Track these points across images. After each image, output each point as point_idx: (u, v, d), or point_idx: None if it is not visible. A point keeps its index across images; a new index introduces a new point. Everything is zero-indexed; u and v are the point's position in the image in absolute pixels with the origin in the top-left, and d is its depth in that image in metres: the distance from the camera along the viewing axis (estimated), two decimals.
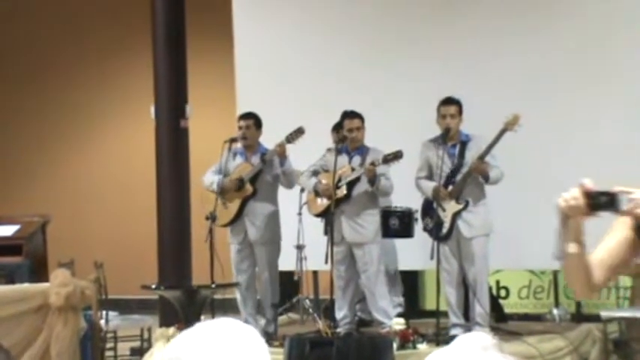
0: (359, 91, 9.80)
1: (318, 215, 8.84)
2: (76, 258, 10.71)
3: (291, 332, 8.68)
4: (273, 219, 8.91)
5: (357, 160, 8.58)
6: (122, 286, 10.87)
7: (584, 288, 3.02)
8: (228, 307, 9.63)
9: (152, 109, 10.18)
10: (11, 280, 10.04)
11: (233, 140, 8.98)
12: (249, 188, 8.84)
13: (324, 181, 8.60)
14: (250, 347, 1.90)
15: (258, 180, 8.85)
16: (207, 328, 1.91)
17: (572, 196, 2.86)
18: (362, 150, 8.61)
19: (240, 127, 8.94)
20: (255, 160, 8.91)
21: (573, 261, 2.96)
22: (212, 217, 8.68)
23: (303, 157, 8.93)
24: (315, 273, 10.37)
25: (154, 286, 7.87)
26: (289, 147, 8.79)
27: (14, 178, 14.22)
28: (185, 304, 7.12)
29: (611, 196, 2.86)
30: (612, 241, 3.06)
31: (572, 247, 2.94)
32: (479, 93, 9.13)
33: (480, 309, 8.24)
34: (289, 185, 8.95)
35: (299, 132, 8.78)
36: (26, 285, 9.65)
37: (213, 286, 7.61)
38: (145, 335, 9.62)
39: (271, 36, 10.64)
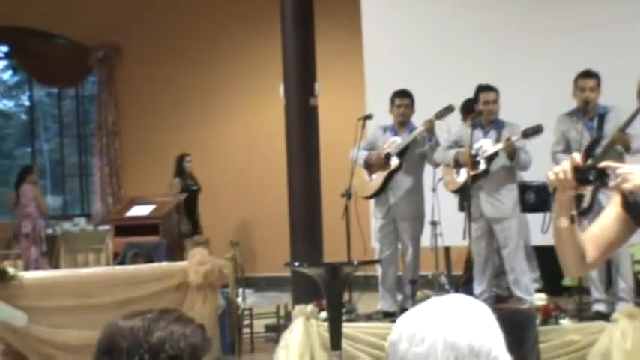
0: (491, 66, 9.70)
1: (455, 192, 8.82)
2: (208, 237, 10.89)
3: None
4: (417, 195, 8.92)
5: (492, 134, 8.49)
6: (253, 265, 11.02)
7: (576, 264, 2.98)
8: (365, 284, 9.67)
9: (281, 88, 10.23)
10: (150, 259, 10.27)
11: (367, 117, 9.05)
12: (395, 162, 8.88)
13: (460, 151, 8.56)
14: (485, 323, 1.89)
15: (406, 155, 8.89)
16: (442, 303, 1.91)
17: (562, 169, 2.81)
18: (497, 125, 8.52)
19: (398, 106, 8.97)
20: (404, 136, 8.94)
21: (564, 236, 2.92)
22: (348, 195, 8.74)
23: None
24: (447, 249, 10.32)
25: (297, 263, 7.92)
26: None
27: (148, 160, 14.49)
28: (327, 281, 7.12)
29: (599, 171, 2.81)
30: (606, 218, 3.00)
31: (562, 222, 2.90)
32: (616, 64, 8.94)
33: (623, 283, 8.11)
34: (435, 162, 8.94)
35: (448, 109, 8.76)
36: (165, 263, 9.85)
37: (355, 262, 7.62)
38: (280, 312, 9.73)
39: (400, 11, 10.57)
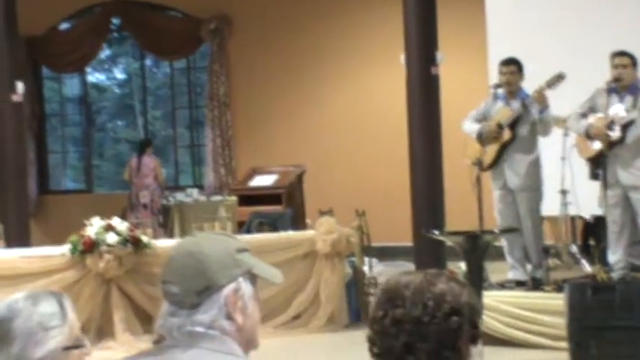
0: (621, 33, 9.51)
1: (590, 159, 8.70)
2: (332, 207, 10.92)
3: (559, 278, 8.63)
4: (533, 165, 8.79)
5: (628, 100, 8.34)
6: (374, 234, 11.02)
7: None
8: (491, 254, 9.62)
9: (402, 57, 10.18)
10: (274, 228, 10.37)
11: (498, 86, 8.94)
12: (507, 134, 8.78)
13: (592, 122, 8.40)
14: None
15: (517, 126, 8.77)
16: None
17: None
18: (634, 90, 8.36)
19: (503, 74, 8.87)
20: (516, 105, 8.82)
21: None
22: (478, 163, 8.66)
23: (563, 101, 8.76)
24: (572, 218, 10.22)
25: (436, 232, 7.91)
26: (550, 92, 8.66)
27: (259, 131, 14.58)
28: (468, 250, 7.13)
29: None
30: None
31: None
32: None
33: None
34: (545, 133, 8.80)
35: (559, 77, 8.61)
36: (293, 232, 9.95)
37: (495, 231, 7.61)
38: None
39: None
